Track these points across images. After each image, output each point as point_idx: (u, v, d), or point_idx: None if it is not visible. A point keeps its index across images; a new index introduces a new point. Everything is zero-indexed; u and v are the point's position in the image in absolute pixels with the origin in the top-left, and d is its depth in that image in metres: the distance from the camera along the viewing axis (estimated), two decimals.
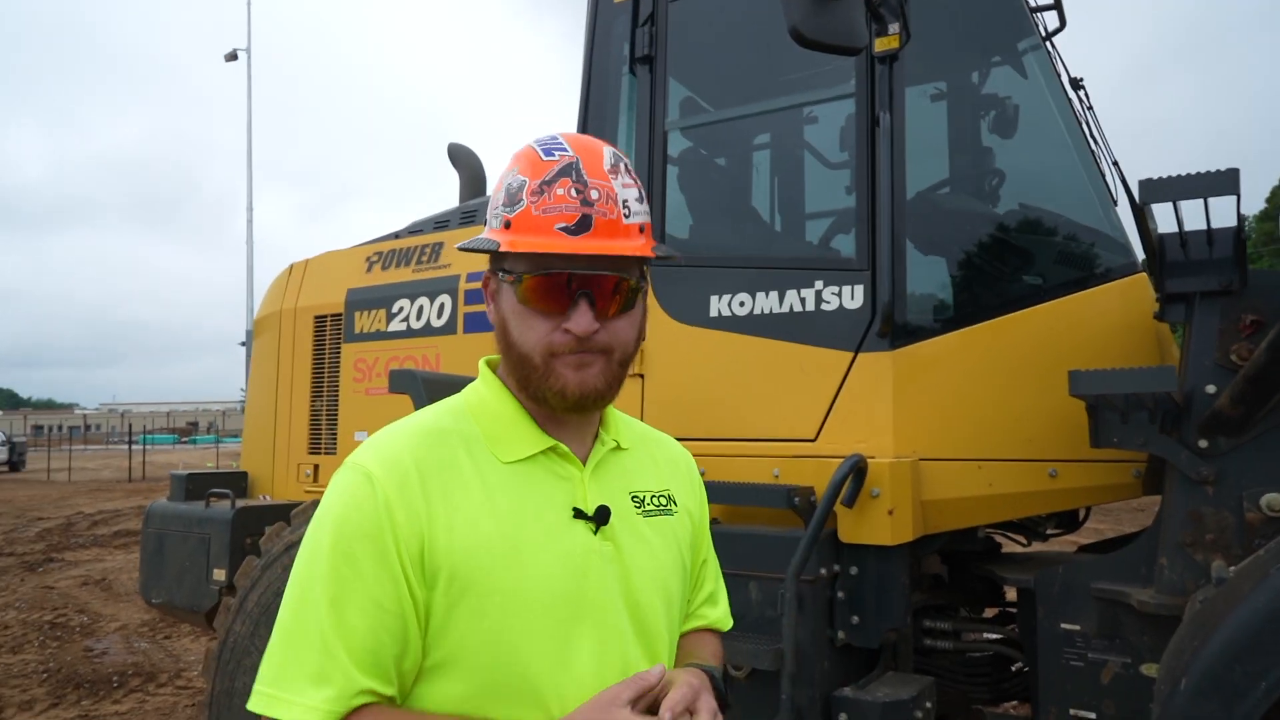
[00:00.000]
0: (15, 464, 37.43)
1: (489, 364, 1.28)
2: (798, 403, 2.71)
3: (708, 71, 3.30)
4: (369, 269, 4.13)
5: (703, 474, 2.75)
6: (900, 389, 2.57)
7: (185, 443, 70.70)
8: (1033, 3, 3.08)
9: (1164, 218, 2.16)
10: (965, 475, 2.54)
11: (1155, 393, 2.09)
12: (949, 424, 2.58)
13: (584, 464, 1.22)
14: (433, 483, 1.11)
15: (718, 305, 2.85)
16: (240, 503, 3.92)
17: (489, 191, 4.04)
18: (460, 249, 1.19)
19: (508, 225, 1.13)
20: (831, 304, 2.68)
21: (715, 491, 2.66)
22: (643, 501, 1.27)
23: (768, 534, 2.54)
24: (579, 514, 1.17)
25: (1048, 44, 3.00)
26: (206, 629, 4.08)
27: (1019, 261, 2.81)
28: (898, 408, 2.56)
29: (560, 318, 1.12)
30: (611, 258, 1.11)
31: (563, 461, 1.20)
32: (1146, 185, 2.03)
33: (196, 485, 4.20)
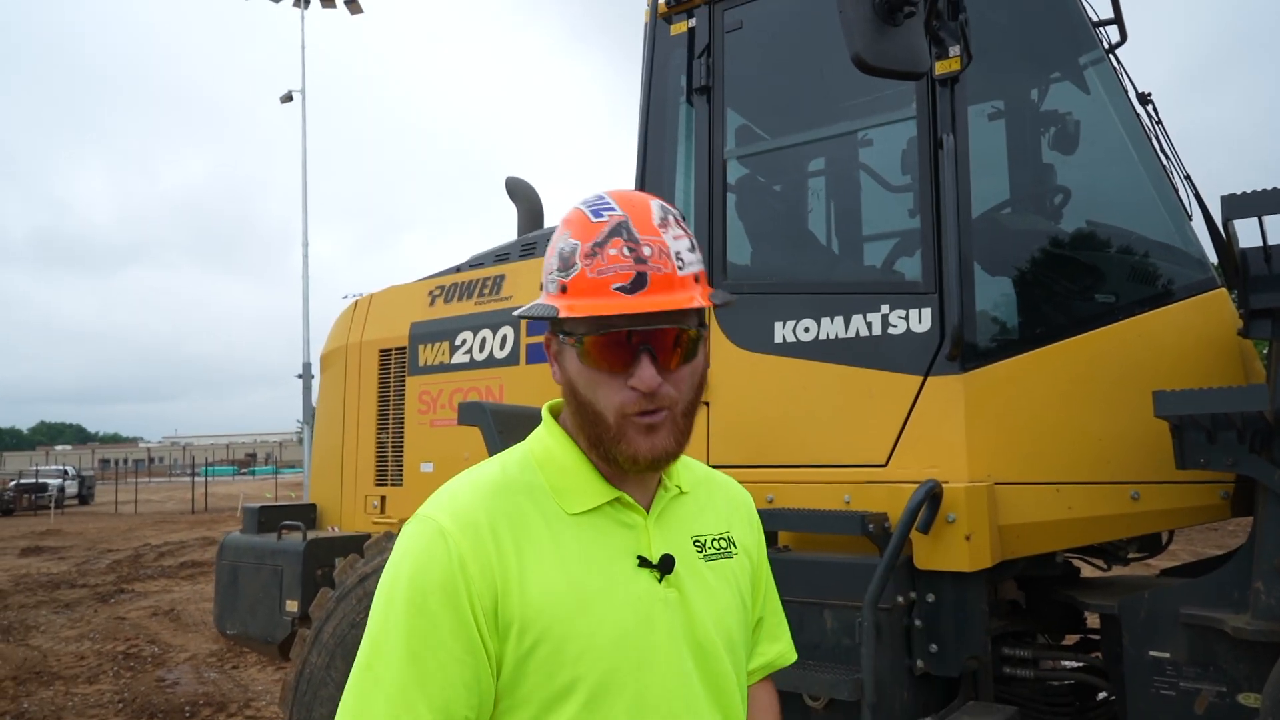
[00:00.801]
0: (84, 497, 38.68)
1: (552, 410, 1.29)
2: (867, 428, 2.68)
3: (766, 100, 3.32)
4: (431, 303, 4.21)
5: (771, 501, 2.78)
6: (972, 412, 2.53)
7: (244, 474, 72.33)
8: (1094, 17, 3.05)
9: (1245, 232, 2.11)
10: (1043, 499, 2.49)
11: (1244, 412, 2.03)
12: (1024, 447, 2.53)
13: (647, 511, 1.23)
14: (504, 535, 1.13)
15: (782, 331, 2.85)
16: (311, 534, 4.00)
17: (545, 241, 4.11)
18: (517, 316, 1.23)
19: (564, 290, 1.14)
20: (898, 328, 2.67)
21: (787, 519, 2.66)
22: (704, 545, 1.27)
23: (841, 561, 2.52)
24: (644, 562, 1.18)
25: (1110, 58, 2.96)
26: (280, 660, 4.15)
27: (1090, 280, 2.76)
28: (970, 431, 2.52)
29: (624, 375, 1.13)
30: (670, 313, 1.12)
31: (627, 511, 1.21)
32: (1230, 201, 1.99)
33: (268, 518, 4.30)
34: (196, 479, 35.30)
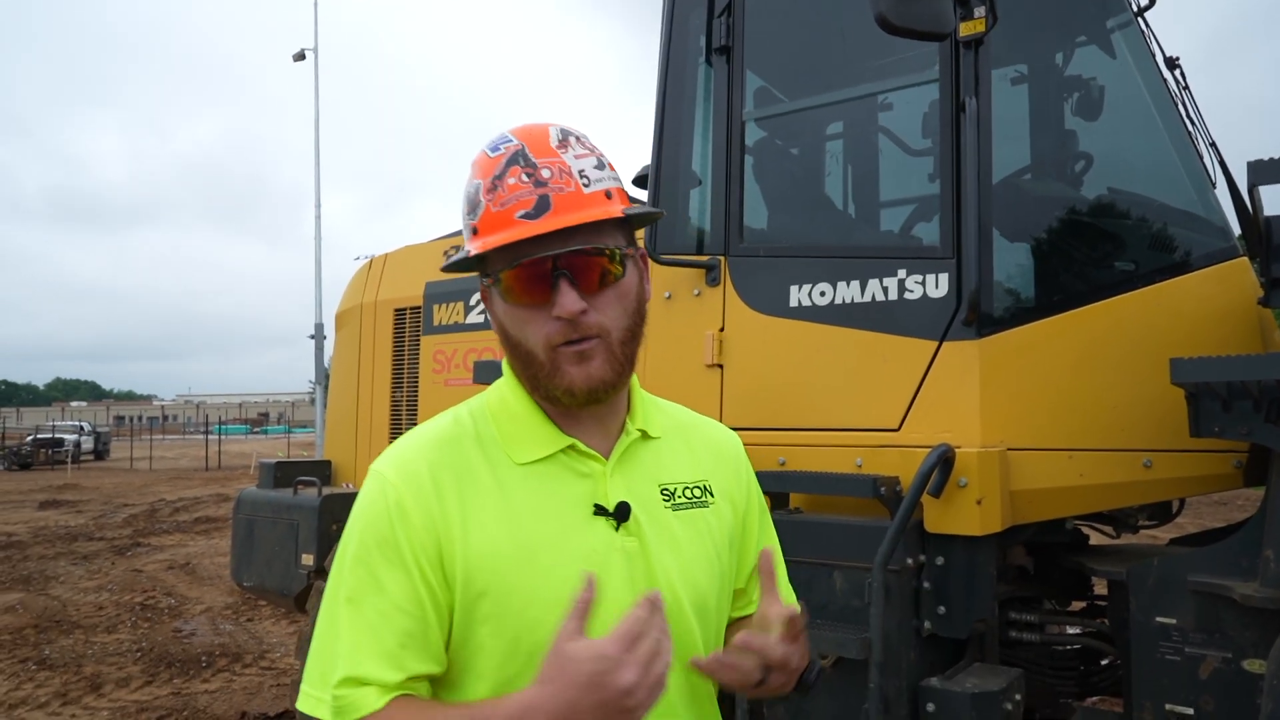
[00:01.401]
0: (100, 453, 39.22)
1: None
2: (880, 392, 2.69)
3: (785, 61, 3.28)
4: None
5: (783, 463, 2.79)
6: (987, 378, 2.53)
7: (257, 433, 73.05)
8: None
9: (1272, 202, 2.09)
10: (1055, 465, 2.50)
11: (1261, 381, 2.02)
12: (1038, 413, 2.53)
13: (607, 458, 1.19)
14: (447, 487, 1.12)
15: (798, 295, 2.85)
16: (326, 490, 4.06)
17: None
18: (444, 269, 1.20)
19: (475, 231, 1.12)
20: (915, 293, 2.66)
21: (799, 481, 2.68)
22: (673, 494, 1.22)
23: (852, 524, 2.54)
24: (600, 510, 1.15)
25: (1138, 21, 2.91)
26: (295, 611, 4.23)
27: (1109, 247, 2.74)
28: (985, 397, 2.53)
29: (547, 306, 1.10)
30: (582, 231, 1.09)
31: (583, 459, 1.17)
32: (1256, 167, 1.97)
33: (285, 473, 4.36)
34: (210, 437, 35.68)
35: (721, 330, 2.98)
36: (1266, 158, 1.95)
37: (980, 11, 2.53)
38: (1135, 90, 2.80)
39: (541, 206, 1.08)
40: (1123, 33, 2.85)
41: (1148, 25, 2.92)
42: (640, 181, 3.97)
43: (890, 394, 2.67)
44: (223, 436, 38.53)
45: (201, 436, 39.28)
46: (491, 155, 1.13)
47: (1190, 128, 2.74)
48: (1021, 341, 2.55)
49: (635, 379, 1.25)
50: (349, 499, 4.00)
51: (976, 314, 2.52)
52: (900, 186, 3.31)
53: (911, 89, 2.96)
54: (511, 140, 1.13)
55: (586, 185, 1.11)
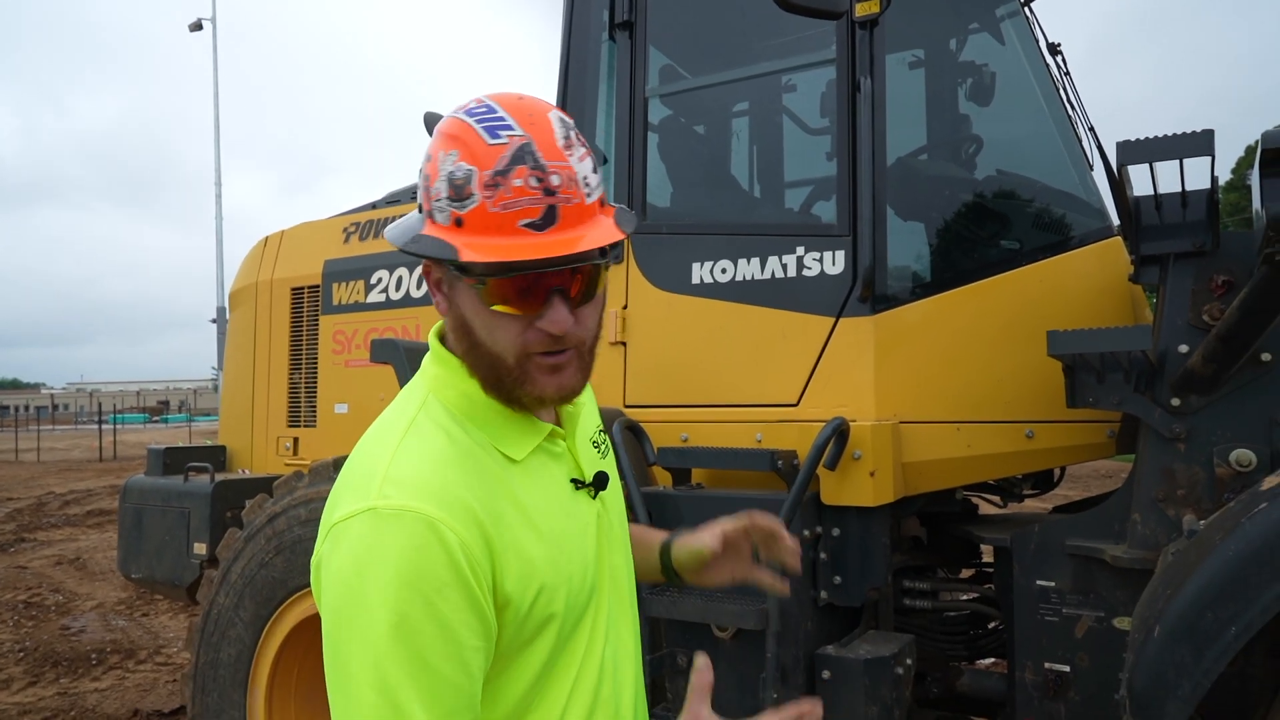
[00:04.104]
0: None
1: (443, 343, 1.18)
2: (780, 368, 2.73)
3: (688, 38, 3.28)
4: (346, 240, 4.09)
5: (685, 439, 2.82)
6: (881, 353, 2.60)
7: (156, 421, 69.88)
8: None
9: (1139, 181, 2.19)
10: (945, 437, 2.59)
11: (1130, 353, 2.13)
12: (929, 387, 2.62)
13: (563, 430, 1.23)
14: (490, 506, 1.05)
15: (700, 272, 2.86)
16: (219, 476, 3.90)
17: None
18: (406, 252, 1.05)
19: (460, 224, 1.00)
20: (813, 270, 2.70)
21: (700, 457, 2.71)
22: (599, 445, 1.31)
23: (750, 497, 2.57)
24: (578, 484, 1.19)
25: (1025, 10, 3.02)
26: (188, 603, 4.06)
27: (997, 226, 2.84)
28: (879, 371, 2.59)
29: (531, 316, 1.04)
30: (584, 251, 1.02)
31: (555, 439, 1.19)
32: (1124, 147, 2.06)
33: (175, 460, 4.17)
34: (105, 426, 33.95)
35: (625, 308, 2.97)
36: (1134, 138, 2.05)
37: None
38: (1023, 76, 2.90)
39: (549, 218, 0.99)
40: (1011, 21, 2.95)
41: (1033, 14, 3.02)
42: None
43: (789, 370, 2.72)
44: (119, 426, 36.67)
45: (95, 426, 37.35)
46: (491, 142, 1.00)
47: (1071, 112, 2.85)
48: (914, 317, 2.63)
49: None
50: (243, 485, 3.88)
51: (871, 290, 2.58)
52: (801, 166, 3.37)
53: (811, 69, 3.01)
54: (514, 129, 1.01)
55: (588, 195, 1.04)
